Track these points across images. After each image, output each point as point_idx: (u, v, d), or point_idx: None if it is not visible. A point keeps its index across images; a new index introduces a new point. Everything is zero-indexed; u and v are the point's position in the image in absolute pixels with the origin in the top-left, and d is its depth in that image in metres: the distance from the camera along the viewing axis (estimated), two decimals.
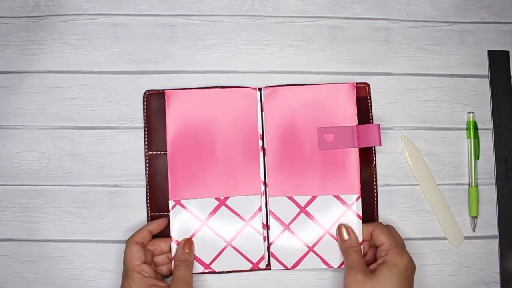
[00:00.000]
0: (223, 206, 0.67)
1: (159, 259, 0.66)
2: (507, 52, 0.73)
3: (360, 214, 0.67)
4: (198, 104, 0.68)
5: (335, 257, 0.67)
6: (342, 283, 0.65)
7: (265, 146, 0.68)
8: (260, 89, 0.69)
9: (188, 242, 0.66)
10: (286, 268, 0.67)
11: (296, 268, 0.67)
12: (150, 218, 0.68)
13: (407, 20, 0.73)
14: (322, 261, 0.67)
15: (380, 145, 0.66)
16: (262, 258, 0.67)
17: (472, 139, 0.71)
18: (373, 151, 0.69)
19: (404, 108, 0.71)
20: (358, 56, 0.72)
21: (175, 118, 0.68)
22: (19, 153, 0.70)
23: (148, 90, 0.70)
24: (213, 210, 0.67)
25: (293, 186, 0.67)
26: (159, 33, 0.71)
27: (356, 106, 0.68)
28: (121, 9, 0.72)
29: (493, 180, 0.71)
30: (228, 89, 0.69)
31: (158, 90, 0.70)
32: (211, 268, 0.67)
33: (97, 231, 0.69)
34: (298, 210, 0.67)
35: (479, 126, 0.71)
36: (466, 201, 0.71)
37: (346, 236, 0.65)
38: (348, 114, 0.67)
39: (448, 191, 0.71)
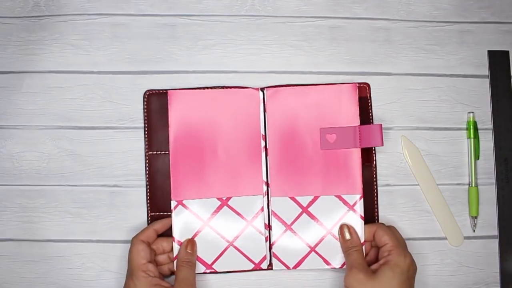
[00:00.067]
0: (225, 206, 0.67)
1: (161, 258, 0.66)
2: (507, 52, 0.73)
3: (362, 215, 0.67)
4: (200, 104, 0.68)
5: (337, 257, 0.67)
6: (342, 283, 0.65)
7: (267, 147, 0.68)
8: (262, 90, 0.69)
9: (190, 243, 0.66)
10: (288, 268, 0.67)
11: (298, 268, 0.67)
12: (150, 218, 0.68)
13: (407, 20, 0.73)
14: (324, 261, 0.67)
15: (382, 145, 0.66)
16: (264, 258, 0.67)
17: (472, 139, 0.71)
18: (374, 151, 0.70)
19: (404, 108, 0.71)
20: (358, 56, 0.72)
21: (177, 118, 0.67)
22: (19, 153, 0.70)
23: (148, 90, 0.70)
24: (215, 210, 0.67)
25: (295, 186, 0.67)
26: (159, 33, 0.71)
27: (358, 106, 0.68)
28: (121, 9, 0.72)
29: (493, 180, 0.71)
30: (231, 89, 0.69)
31: (158, 90, 0.70)
32: (213, 269, 0.67)
33: (97, 231, 0.69)
34: (300, 210, 0.67)
35: (479, 126, 0.71)
36: (466, 201, 0.71)
37: (348, 236, 0.65)
38: (350, 115, 0.67)
39: (448, 191, 0.71)
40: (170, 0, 0.72)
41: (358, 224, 0.66)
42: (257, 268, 0.67)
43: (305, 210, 0.67)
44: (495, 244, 0.70)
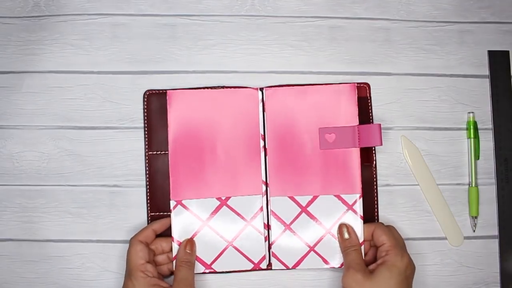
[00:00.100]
0: (224, 206, 0.67)
1: (160, 258, 0.66)
2: (507, 52, 0.73)
3: (361, 214, 0.67)
4: (200, 104, 0.68)
5: (336, 257, 0.67)
6: (341, 283, 0.65)
7: (266, 146, 0.68)
8: (261, 89, 0.69)
9: (189, 243, 0.66)
10: (287, 267, 0.67)
11: (297, 268, 0.67)
12: (150, 218, 0.68)
13: (407, 20, 0.73)
14: (323, 261, 0.67)
15: (381, 144, 0.66)
16: (263, 258, 0.67)
17: (472, 139, 0.71)
18: (373, 151, 0.69)
19: (404, 108, 0.71)
20: (358, 56, 0.72)
21: (176, 118, 0.67)
22: (19, 153, 0.70)
23: (148, 90, 0.70)
24: (215, 210, 0.67)
25: (294, 186, 0.67)
26: (159, 33, 0.71)
27: (357, 106, 0.68)
28: (121, 9, 0.72)
29: (493, 180, 0.71)
30: (230, 89, 0.69)
31: (158, 90, 0.70)
32: (212, 268, 0.67)
33: (97, 231, 0.69)
34: (299, 210, 0.67)
35: (479, 126, 0.71)
36: (466, 201, 0.71)
37: (346, 235, 0.65)
38: (349, 114, 0.67)
39: (448, 191, 0.71)
40: (170, 0, 0.72)
41: (357, 224, 0.66)
42: (256, 268, 0.67)
43: (304, 209, 0.67)
44: (495, 244, 0.70)
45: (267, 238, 0.67)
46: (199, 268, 0.67)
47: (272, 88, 0.69)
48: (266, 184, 0.67)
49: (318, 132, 0.67)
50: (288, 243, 0.67)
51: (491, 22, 0.73)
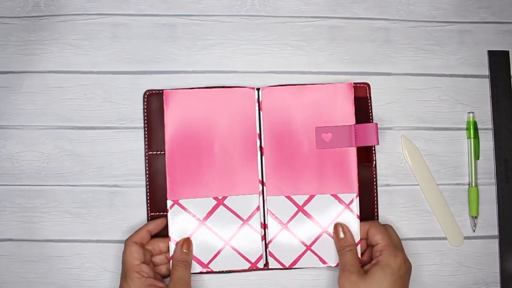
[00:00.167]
0: (221, 206, 0.67)
1: (158, 259, 0.66)
2: (507, 52, 0.73)
3: (358, 213, 0.67)
4: (196, 104, 0.68)
5: (333, 256, 0.67)
6: (337, 284, 0.65)
7: (263, 146, 0.68)
8: (258, 89, 0.69)
9: (186, 242, 0.66)
10: (284, 266, 0.67)
11: (293, 266, 0.67)
12: (150, 218, 0.68)
13: (407, 20, 0.73)
14: (320, 260, 0.67)
15: (378, 144, 0.66)
16: (260, 257, 0.67)
17: (472, 139, 0.71)
18: (373, 151, 0.69)
19: (404, 108, 0.71)
20: (357, 56, 0.72)
21: (173, 117, 0.67)
22: (19, 153, 0.70)
23: (148, 90, 0.70)
24: (211, 210, 0.67)
25: (291, 185, 0.67)
26: (159, 33, 0.71)
27: (353, 105, 0.68)
28: (121, 9, 0.72)
29: (493, 180, 0.71)
30: (226, 88, 0.69)
31: (158, 90, 0.70)
32: (209, 268, 0.67)
33: (97, 231, 0.69)
34: (296, 209, 0.67)
35: (479, 126, 0.71)
36: (466, 201, 0.71)
37: (341, 235, 0.65)
38: (346, 114, 0.67)
39: (448, 191, 0.71)
40: (170, 0, 0.72)
41: (354, 223, 0.66)
42: (253, 267, 0.67)
43: (301, 209, 0.67)
44: (495, 244, 0.70)
45: (264, 237, 0.67)
46: (196, 267, 0.67)
47: (268, 87, 0.69)
48: (263, 184, 0.67)
49: (315, 131, 0.67)
50: (285, 242, 0.67)
51: (490, 22, 0.73)
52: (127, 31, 0.71)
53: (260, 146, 0.68)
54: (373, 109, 0.71)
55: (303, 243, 0.67)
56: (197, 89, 0.69)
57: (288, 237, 0.67)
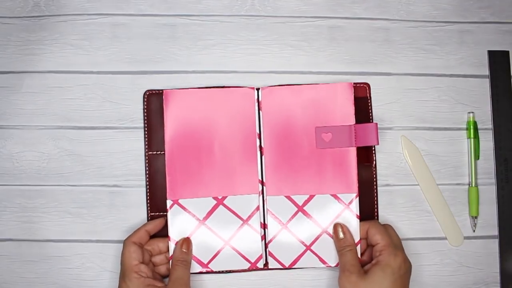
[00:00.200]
0: (221, 206, 0.67)
1: (157, 259, 0.66)
2: (507, 52, 0.73)
3: (358, 213, 0.67)
4: (196, 104, 0.68)
5: (332, 256, 0.67)
6: (338, 284, 0.65)
7: (262, 146, 0.68)
8: (258, 89, 0.69)
9: (186, 242, 0.66)
10: (284, 266, 0.67)
11: (293, 267, 0.67)
12: (150, 218, 0.68)
13: (407, 20, 0.73)
14: (320, 260, 0.67)
15: (378, 144, 0.66)
16: (260, 257, 0.67)
17: (472, 139, 0.71)
18: (373, 151, 0.69)
19: (404, 108, 0.71)
20: (358, 56, 0.72)
21: (173, 117, 0.67)
22: (19, 153, 0.70)
23: (148, 90, 0.70)
24: (211, 210, 0.67)
25: (291, 185, 0.67)
26: (159, 33, 0.71)
27: (353, 105, 0.67)
28: (121, 9, 0.72)
29: (493, 180, 0.71)
30: (226, 88, 0.69)
31: (158, 90, 0.70)
32: (208, 268, 0.67)
33: (97, 231, 0.69)
34: (296, 209, 0.67)
35: (479, 126, 0.71)
36: (466, 201, 0.71)
37: (341, 235, 0.65)
38: (346, 113, 0.67)
39: (448, 191, 0.71)
40: (170, 0, 0.72)
41: (353, 223, 0.66)
42: (253, 267, 0.67)
43: (300, 208, 0.67)
44: (495, 244, 0.70)
45: (264, 237, 0.67)
46: (196, 267, 0.67)
47: (269, 87, 0.69)
48: (263, 183, 0.67)
49: (315, 131, 0.67)
50: (285, 242, 0.67)
51: (491, 22, 0.73)
52: (127, 31, 0.71)
53: (260, 146, 0.68)
54: (373, 109, 0.71)
55: (302, 243, 0.67)
56: (197, 89, 0.69)
57: (288, 237, 0.67)
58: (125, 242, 0.64)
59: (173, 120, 0.67)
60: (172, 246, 0.66)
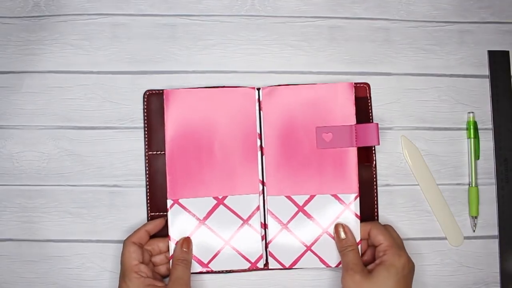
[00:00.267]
0: (221, 205, 0.67)
1: (158, 259, 0.66)
2: (507, 52, 0.73)
3: (358, 213, 0.67)
4: (197, 103, 0.68)
5: (333, 256, 0.67)
6: (341, 284, 0.65)
7: (263, 146, 0.68)
8: (258, 89, 0.69)
9: (186, 241, 0.66)
10: (284, 267, 0.67)
11: (293, 267, 0.67)
12: (150, 218, 0.68)
13: (407, 20, 0.73)
14: (320, 260, 0.67)
15: (378, 144, 0.66)
16: (260, 257, 0.67)
17: (472, 139, 0.71)
18: (373, 151, 0.69)
19: (404, 108, 0.71)
20: (358, 56, 0.72)
21: (173, 117, 0.67)
22: (19, 153, 0.70)
23: (148, 90, 0.70)
24: (211, 210, 0.67)
25: (291, 185, 0.67)
26: (159, 33, 0.71)
27: (354, 105, 0.67)
28: (121, 9, 0.72)
29: (493, 180, 0.71)
30: (227, 88, 0.69)
31: (158, 90, 0.70)
32: (209, 268, 0.67)
33: (97, 231, 0.69)
34: (296, 209, 0.67)
35: (479, 126, 0.71)
36: (466, 201, 0.71)
37: (343, 235, 0.65)
38: (346, 113, 0.67)
39: (448, 191, 0.71)
40: (170, 0, 0.72)
41: (354, 223, 0.66)
42: (253, 267, 0.67)
43: (301, 209, 0.67)
44: (495, 244, 0.70)
45: (264, 237, 0.67)
46: (196, 267, 0.67)
47: (269, 87, 0.69)
48: (263, 183, 0.67)
49: (315, 131, 0.67)
50: (285, 243, 0.67)
51: (491, 22, 0.73)
52: (127, 31, 0.71)
53: (261, 146, 0.68)
54: (373, 109, 0.71)
55: (303, 243, 0.67)
56: (197, 89, 0.69)
57: (288, 237, 0.67)
58: (125, 242, 0.64)
59: (174, 120, 0.67)
60: (172, 245, 0.66)
